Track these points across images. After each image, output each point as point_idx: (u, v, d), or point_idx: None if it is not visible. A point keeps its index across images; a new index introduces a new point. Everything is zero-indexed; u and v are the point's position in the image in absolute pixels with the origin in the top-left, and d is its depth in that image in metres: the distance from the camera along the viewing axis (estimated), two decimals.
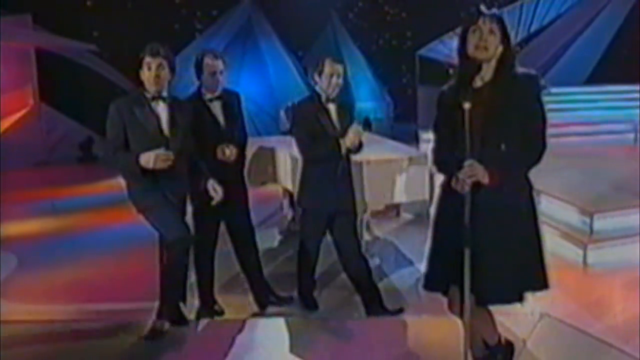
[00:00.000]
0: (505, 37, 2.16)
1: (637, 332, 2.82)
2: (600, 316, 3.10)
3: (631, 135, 8.08)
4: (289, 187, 4.33)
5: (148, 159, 2.75)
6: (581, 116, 8.76)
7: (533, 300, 3.01)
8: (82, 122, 9.35)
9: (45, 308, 3.44)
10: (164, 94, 2.93)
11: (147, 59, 2.88)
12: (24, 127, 8.64)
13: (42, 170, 8.08)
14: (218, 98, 3.28)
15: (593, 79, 10.40)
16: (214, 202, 2.99)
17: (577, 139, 8.05)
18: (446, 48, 9.31)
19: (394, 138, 5.33)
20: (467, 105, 1.99)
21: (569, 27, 10.98)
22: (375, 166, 3.81)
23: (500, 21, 2.16)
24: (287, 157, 4.19)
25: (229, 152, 3.19)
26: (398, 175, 3.91)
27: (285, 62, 10.15)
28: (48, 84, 8.95)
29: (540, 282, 2.20)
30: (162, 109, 2.91)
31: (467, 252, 2.03)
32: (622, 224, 4.16)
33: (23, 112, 8.93)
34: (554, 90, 9.74)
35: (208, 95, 3.28)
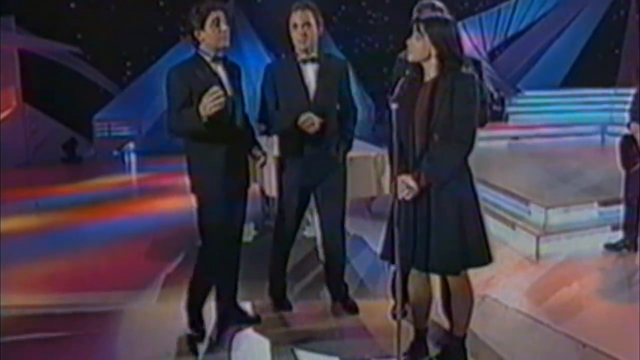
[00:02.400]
0: (437, 39, 2.31)
1: (572, 314, 3.09)
2: (541, 301, 3.35)
3: (599, 137, 8.43)
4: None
5: (204, 105, 2.50)
6: (553, 118, 9.09)
7: (484, 287, 3.31)
8: (65, 123, 9.48)
9: (28, 297, 3.59)
10: (221, 54, 2.75)
11: (215, 14, 2.66)
12: (7, 128, 8.74)
13: (25, 170, 8.18)
14: (313, 60, 2.89)
15: (567, 83, 10.74)
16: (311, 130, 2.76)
17: (548, 141, 8.40)
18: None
19: (375, 140, 5.50)
20: (394, 106, 2.22)
21: (545, 33, 11.30)
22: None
23: (427, 25, 2.32)
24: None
25: (309, 122, 2.79)
26: (372, 171, 4.10)
27: None
28: (31, 86, 9.06)
29: (485, 258, 2.44)
30: (221, 72, 2.74)
31: (396, 230, 2.28)
32: (574, 218, 4.42)
33: (6, 113, 9.04)
34: (528, 93, 10.10)
35: (302, 56, 2.89)
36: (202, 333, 2.90)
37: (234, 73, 2.82)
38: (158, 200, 6.27)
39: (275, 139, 3.08)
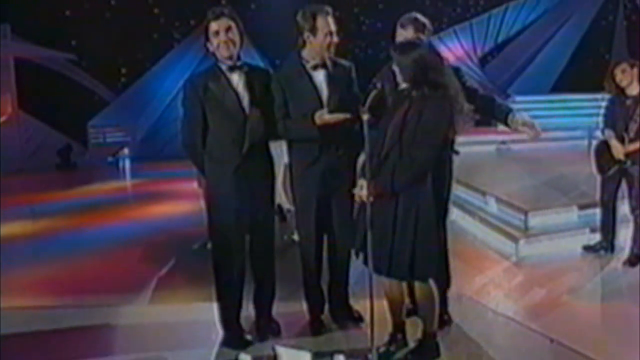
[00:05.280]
0: (409, 65, 2.43)
1: (546, 312, 3.23)
2: (518, 300, 3.48)
3: (586, 142, 8.57)
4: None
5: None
6: (543, 123, 9.17)
7: (464, 286, 3.45)
8: (60, 129, 9.58)
9: (25, 300, 3.68)
10: (239, 62, 2.74)
11: (213, 25, 2.68)
12: (3, 135, 8.82)
13: (21, 176, 8.27)
14: (323, 66, 2.83)
15: (557, 88, 10.91)
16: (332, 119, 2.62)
17: (535, 145, 8.50)
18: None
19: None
20: (365, 117, 2.36)
21: (535, 39, 11.47)
22: None
23: (400, 51, 2.47)
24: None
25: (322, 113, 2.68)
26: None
27: None
28: (27, 93, 9.17)
29: (432, 271, 2.50)
30: (238, 80, 2.73)
31: (369, 233, 2.42)
32: (554, 221, 4.54)
33: (2, 119, 9.14)
34: (518, 98, 10.25)
35: (312, 62, 2.83)
36: (241, 340, 2.88)
37: (256, 79, 2.79)
38: (152, 206, 6.37)
39: (284, 146, 3.06)
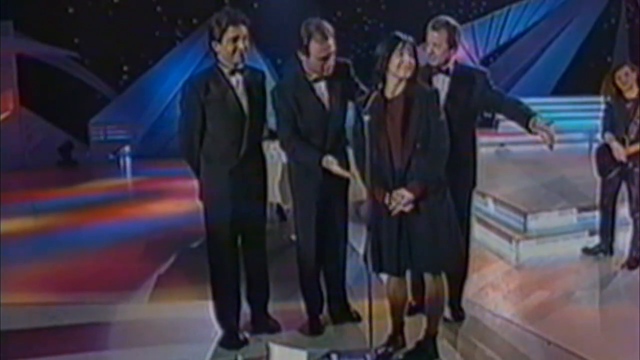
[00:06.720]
0: (417, 62, 2.55)
1: (543, 315, 3.25)
2: (517, 302, 3.50)
3: (586, 145, 8.58)
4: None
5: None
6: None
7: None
8: (61, 126, 9.60)
9: (25, 296, 3.70)
10: (241, 65, 2.75)
11: (231, 30, 2.65)
12: (5, 131, 8.84)
13: (21, 173, 8.29)
14: (325, 78, 2.84)
15: (559, 90, 10.93)
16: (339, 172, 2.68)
17: (536, 147, 8.51)
18: (421, 58, 9.74)
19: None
20: (367, 118, 2.38)
21: (537, 40, 11.48)
22: None
23: (414, 50, 2.55)
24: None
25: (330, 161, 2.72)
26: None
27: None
28: (28, 89, 9.19)
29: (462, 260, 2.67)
30: (237, 83, 2.75)
31: (369, 234, 2.46)
32: (554, 224, 4.55)
33: (4, 116, 9.16)
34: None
35: (313, 75, 2.83)
36: (237, 339, 2.92)
37: (253, 81, 2.82)
38: (152, 203, 6.39)
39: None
